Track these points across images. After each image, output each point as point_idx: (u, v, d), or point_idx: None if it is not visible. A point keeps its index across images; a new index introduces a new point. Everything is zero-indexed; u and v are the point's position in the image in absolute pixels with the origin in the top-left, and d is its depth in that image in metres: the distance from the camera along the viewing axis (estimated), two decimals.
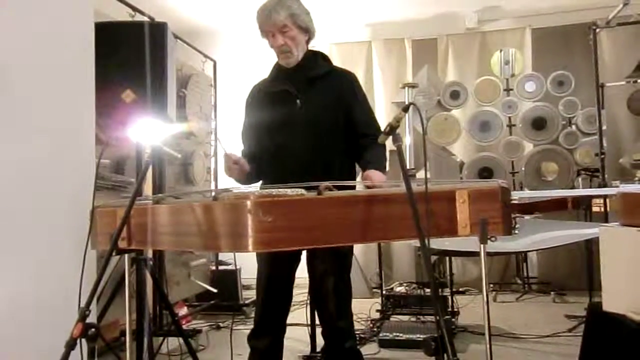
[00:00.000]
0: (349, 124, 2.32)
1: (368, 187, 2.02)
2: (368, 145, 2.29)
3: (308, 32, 2.33)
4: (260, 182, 2.40)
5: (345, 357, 2.34)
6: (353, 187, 1.97)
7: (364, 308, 4.23)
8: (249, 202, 1.41)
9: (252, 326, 2.41)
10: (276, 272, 2.30)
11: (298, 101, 2.29)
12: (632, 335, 1.79)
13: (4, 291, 2.05)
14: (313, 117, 2.26)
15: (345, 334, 2.35)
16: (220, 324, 4.25)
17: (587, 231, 3.49)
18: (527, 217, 3.90)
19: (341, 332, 2.34)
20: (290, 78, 2.33)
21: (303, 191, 1.53)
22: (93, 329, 1.59)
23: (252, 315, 3.39)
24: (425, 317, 3.90)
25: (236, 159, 2.23)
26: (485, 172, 5.12)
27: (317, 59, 2.39)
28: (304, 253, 2.34)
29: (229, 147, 2.23)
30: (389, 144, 1.73)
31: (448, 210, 1.52)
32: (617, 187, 2.77)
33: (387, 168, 2.32)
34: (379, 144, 2.34)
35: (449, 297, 3.94)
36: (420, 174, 4.93)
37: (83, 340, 1.59)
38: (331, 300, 2.31)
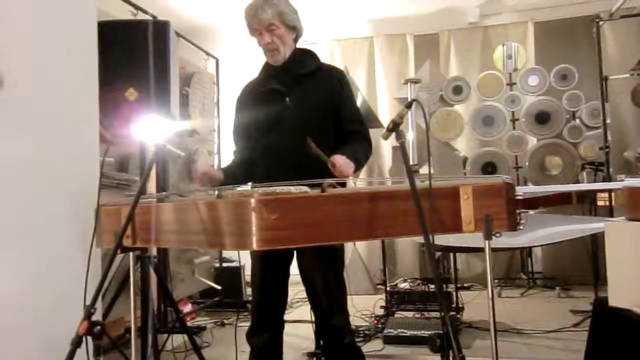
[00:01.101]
0: (337, 120, 2.32)
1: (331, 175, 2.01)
2: (350, 140, 2.30)
3: (295, 30, 2.33)
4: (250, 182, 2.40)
5: (344, 354, 2.34)
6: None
7: (368, 305, 4.23)
8: (253, 200, 1.40)
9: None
10: (269, 269, 2.30)
11: (287, 99, 2.29)
12: (639, 330, 1.79)
13: (9, 289, 2.06)
14: (302, 115, 2.26)
15: (342, 331, 2.34)
16: (224, 320, 4.26)
17: (592, 226, 3.49)
18: (531, 212, 3.90)
19: (336, 330, 2.33)
20: (279, 77, 2.33)
21: (306, 189, 1.53)
22: (98, 327, 1.60)
23: None
24: (430, 313, 3.90)
25: (204, 171, 2.28)
26: (489, 167, 5.11)
27: (305, 57, 2.39)
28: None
29: (204, 150, 2.22)
30: (393, 140, 1.73)
31: (452, 207, 1.52)
32: (622, 181, 2.75)
33: (362, 163, 2.28)
34: (361, 140, 2.34)
35: (454, 293, 3.94)
36: (424, 170, 4.93)
37: (89, 337, 1.60)
38: (323, 298, 2.30)
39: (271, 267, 2.30)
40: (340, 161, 2.08)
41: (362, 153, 2.27)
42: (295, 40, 2.36)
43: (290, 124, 2.26)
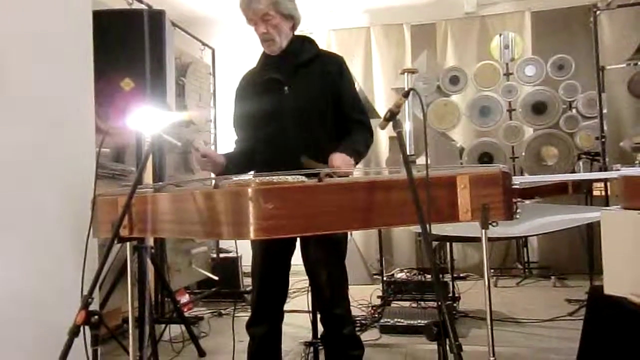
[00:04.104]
0: (337, 108, 2.30)
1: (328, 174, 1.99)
2: (351, 129, 2.28)
3: (293, 19, 2.29)
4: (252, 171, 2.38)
5: (344, 343, 2.34)
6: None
7: (364, 294, 4.25)
8: (250, 190, 1.40)
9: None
10: (271, 259, 2.29)
11: (285, 89, 2.26)
12: (633, 318, 1.80)
13: (6, 280, 2.06)
14: (301, 104, 2.24)
15: (343, 320, 2.35)
16: (221, 311, 4.27)
17: (588, 215, 3.49)
18: (527, 201, 3.90)
19: (338, 319, 2.34)
20: (277, 66, 2.29)
21: (304, 178, 1.53)
22: (96, 316, 1.60)
23: None
24: (426, 302, 3.91)
25: (204, 152, 2.19)
26: (486, 158, 5.12)
27: (303, 44, 2.36)
28: (299, 240, 2.33)
29: (200, 140, 2.19)
30: (390, 130, 1.73)
31: (449, 196, 1.52)
32: (618, 170, 2.77)
33: (362, 154, 2.24)
34: (361, 128, 2.32)
35: (450, 283, 3.96)
36: (421, 160, 4.93)
37: (86, 327, 1.60)
38: (326, 288, 2.30)
39: (273, 258, 2.29)
40: (339, 162, 2.05)
41: (362, 143, 2.25)
42: (293, 28, 2.32)
43: (290, 113, 2.24)
